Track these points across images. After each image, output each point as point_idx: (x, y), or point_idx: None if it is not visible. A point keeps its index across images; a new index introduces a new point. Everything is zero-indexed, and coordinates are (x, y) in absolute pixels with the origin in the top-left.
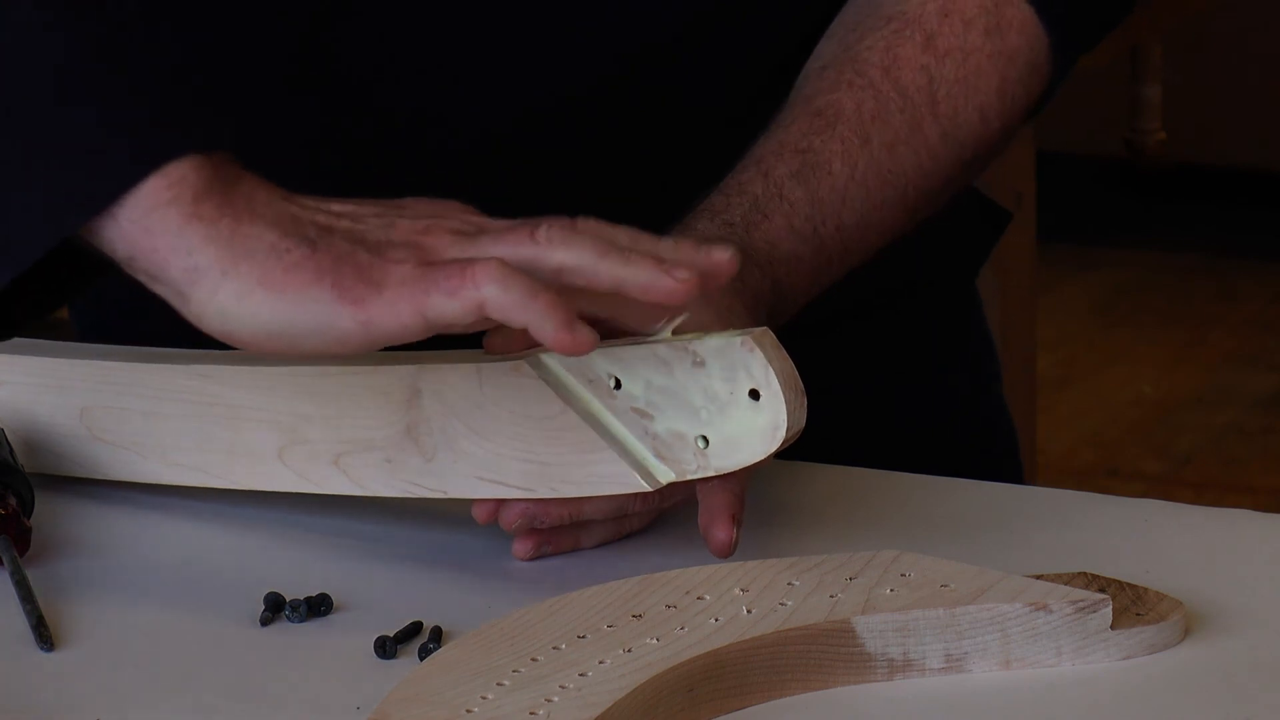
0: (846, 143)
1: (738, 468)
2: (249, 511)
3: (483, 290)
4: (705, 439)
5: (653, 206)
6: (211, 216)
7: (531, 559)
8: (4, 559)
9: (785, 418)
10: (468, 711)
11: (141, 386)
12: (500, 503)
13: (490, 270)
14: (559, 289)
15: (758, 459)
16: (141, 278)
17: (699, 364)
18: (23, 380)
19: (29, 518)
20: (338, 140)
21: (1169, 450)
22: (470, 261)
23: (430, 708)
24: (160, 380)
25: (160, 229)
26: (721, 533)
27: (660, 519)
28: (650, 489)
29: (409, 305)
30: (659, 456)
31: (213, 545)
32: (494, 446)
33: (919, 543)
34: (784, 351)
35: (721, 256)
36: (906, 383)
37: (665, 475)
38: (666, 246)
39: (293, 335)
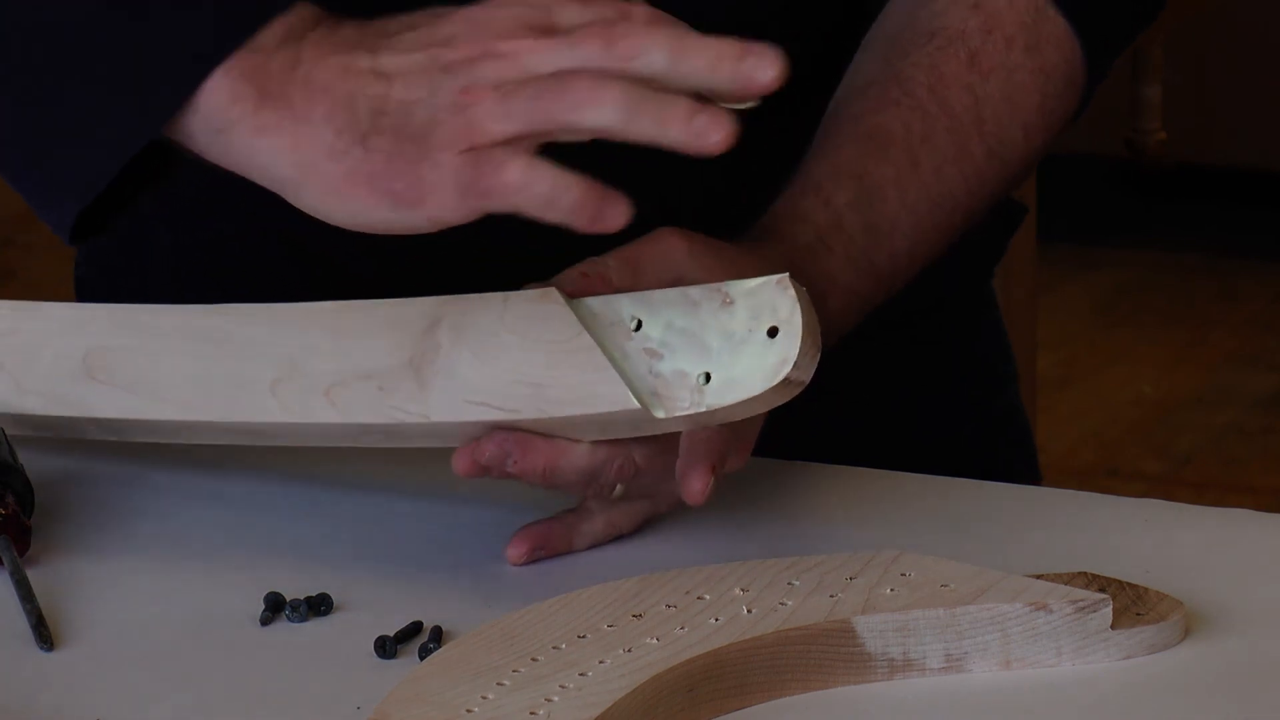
0: (899, 167)
1: (733, 404)
2: (249, 511)
3: (511, 197)
4: (708, 376)
5: (668, 198)
6: (274, 125)
7: (525, 563)
8: (4, 559)
9: (795, 355)
10: (468, 711)
11: (155, 328)
12: (479, 441)
13: (515, 178)
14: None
15: (755, 395)
16: None
17: (728, 303)
18: (35, 327)
19: (29, 518)
20: None
21: (1169, 450)
22: (502, 164)
23: (430, 708)
24: (176, 320)
25: (236, 149)
26: (696, 480)
27: (660, 518)
28: (640, 408)
29: (458, 201)
30: (656, 393)
31: (213, 545)
32: (492, 372)
33: (919, 543)
34: (813, 307)
35: (762, 76)
36: (922, 385)
37: (661, 410)
38: (697, 48)
39: (376, 227)
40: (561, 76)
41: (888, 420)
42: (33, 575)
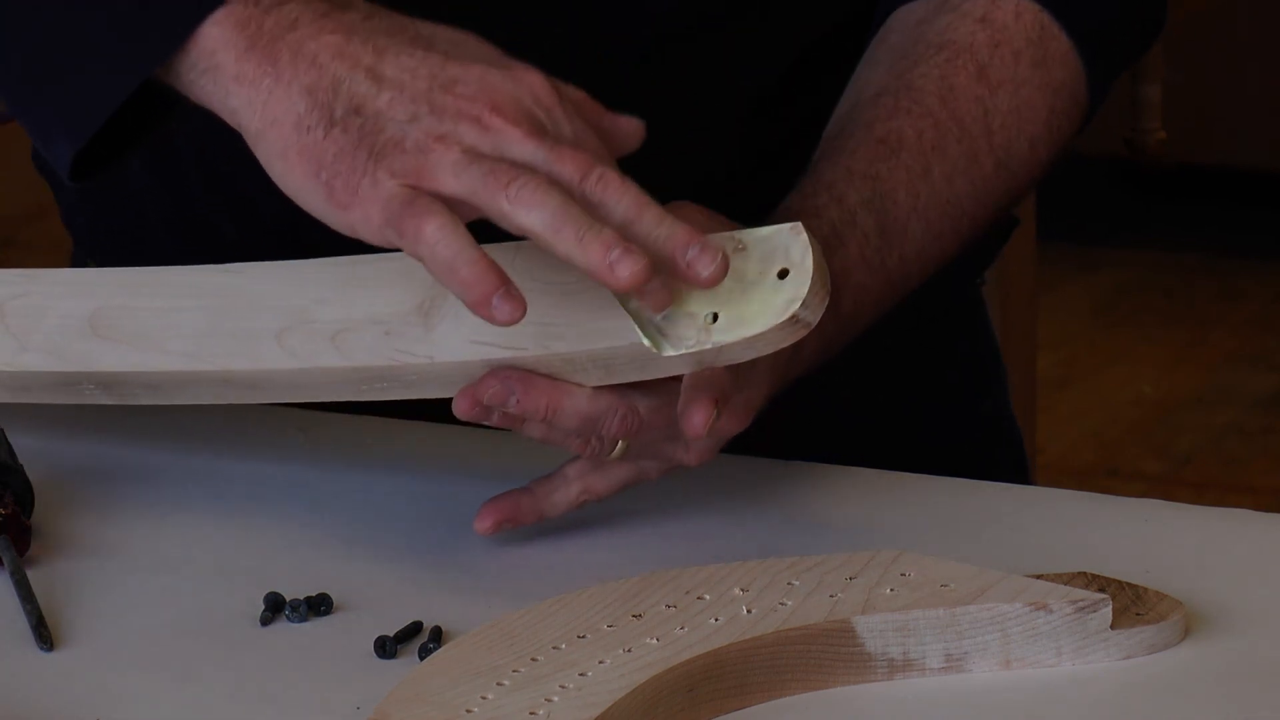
0: (911, 172)
1: (741, 340)
2: (249, 511)
3: (419, 248)
4: (715, 316)
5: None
6: (253, 77)
7: (492, 533)
8: (4, 559)
9: (804, 294)
10: (468, 711)
11: (164, 286)
12: (481, 380)
13: (429, 232)
14: None
15: (763, 330)
16: None
17: (740, 249)
18: (43, 290)
19: (29, 518)
20: None
21: (1169, 450)
22: (425, 214)
23: (430, 708)
24: (186, 278)
25: (212, 92)
26: (698, 414)
27: (660, 517)
28: (647, 344)
29: (377, 224)
30: (663, 333)
31: (213, 545)
32: None
33: (919, 543)
34: (825, 262)
35: (704, 271)
36: (908, 388)
37: (668, 347)
38: (651, 225)
39: (307, 207)
40: (520, 169)
41: (875, 422)
42: (33, 575)
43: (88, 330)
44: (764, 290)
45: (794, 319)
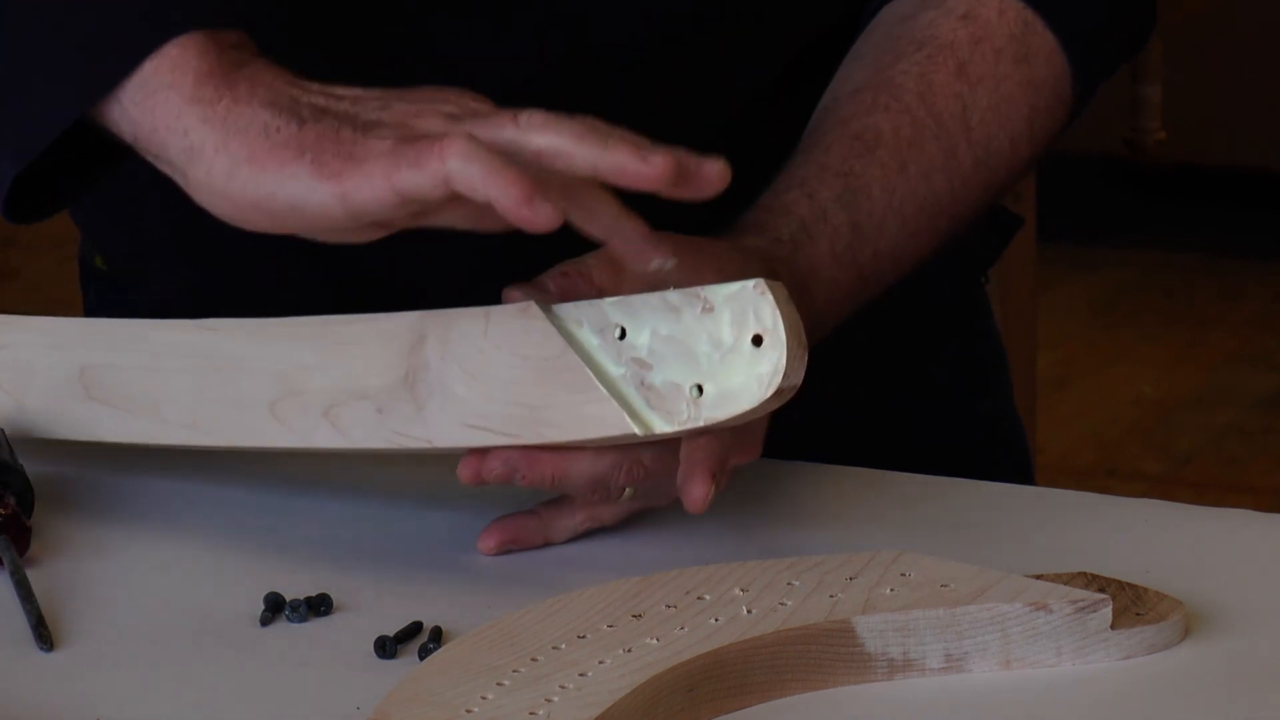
0: (886, 168)
1: (730, 417)
2: (249, 511)
3: (448, 163)
4: (700, 388)
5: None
6: (210, 99)
7: (495, 553)
8: (4, 559)
9: (784, 364)
10: (468, 711)
11: (143, 343)
12: (484, 457)
13: (457, 145)
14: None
15: (751, 407)
16: (148, 157)
17: (709, 309)
18: (24, 340)
19: (29, 518)
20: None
21: (1169, 450)
22: (442, 136)
23: (430, 708)
24: (162, 336)
25: (161, 111)
26: (697, 488)
27: (660, 517)
28: (639, 433)
29: (381, 178)
30: (652, 407)
31: (213, 545)
32: (485, 390)
33: (919, 543)
34: (794, 305)
35: (712, 168)
36: (911, 388)
37: (659, 424)
38: (650, 145)
39: (277, 209)
40: (513, 109)
41: (878, 422)
42: (33, 575)
43: (80, 391)
44: (742, 359)
45: (779, 391)
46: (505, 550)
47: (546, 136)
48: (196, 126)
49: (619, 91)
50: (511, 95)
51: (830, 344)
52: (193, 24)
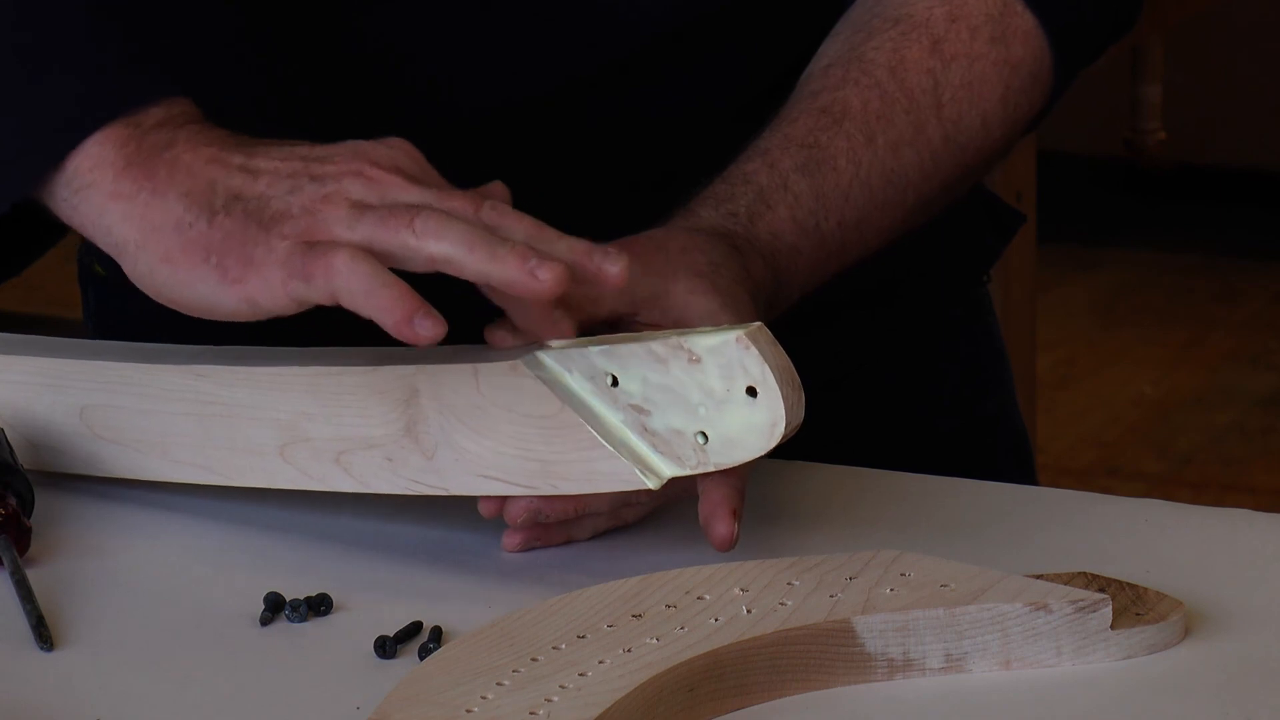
0: (852, 140)
1: (738, 463)
2: (249, 511)
3: (332, 282)
4: (704, 435)
5: (654, 196)
6: (129, 193)
7: (519, 551)
8: (4, 559)
9: (784, 413)
10: (468, 711)
11: (140, 385)
12: (504, 499)
13: (341, 261)
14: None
15: (757, 455)
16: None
17: (695, 360)
18: (21, 379)
19: (29, 518)
20: (336, 116)
21: (1169, 450)
22: (330, 250)
23: (430, 708)
24: (158, 380)
25: (85, 208)
26: (722, 527)
27: (660, 517)
28: (653, 485)
29: (279, 285)
30: (658, 452)
31: (213, 545)
32: (494, 444)
33: (919, 543)
34: (779, 347)
35: (611, 269)
36: (911, 386)
37: (668, 469)
38: (551, 240)
39: (196, 305)
40: (416, 205)
41: (879, 422)
42: (33, 575)
43: (85, 430)
44: (739, 409)
45: (784, 438)
46: (529, 548)
47: (441, 246)
48: (118, 224)
49: (609, 100)
50: (510, 104)
51: (831, 343)
52: (121, 109)
